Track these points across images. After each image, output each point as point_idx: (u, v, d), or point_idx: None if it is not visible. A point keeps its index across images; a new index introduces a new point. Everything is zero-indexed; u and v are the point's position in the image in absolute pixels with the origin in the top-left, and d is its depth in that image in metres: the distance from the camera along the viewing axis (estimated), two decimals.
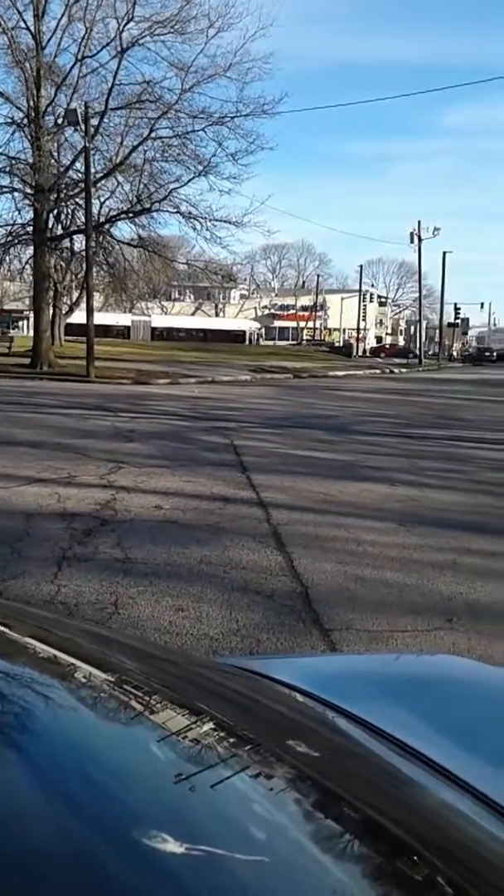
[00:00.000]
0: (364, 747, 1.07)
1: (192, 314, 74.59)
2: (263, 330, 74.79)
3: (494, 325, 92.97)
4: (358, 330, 66.10)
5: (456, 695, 1.45)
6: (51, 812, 0.68)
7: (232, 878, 0.65)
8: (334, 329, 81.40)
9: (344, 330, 76.89)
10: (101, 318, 55.05)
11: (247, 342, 64.86)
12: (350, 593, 4.61)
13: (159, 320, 69.77)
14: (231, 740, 0.93)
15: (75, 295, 40.79)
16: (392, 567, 5.17)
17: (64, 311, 36.94)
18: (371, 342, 76.88)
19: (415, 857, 0.78)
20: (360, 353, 59.69)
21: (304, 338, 76.65)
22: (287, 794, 0.83)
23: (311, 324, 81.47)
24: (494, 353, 66.08)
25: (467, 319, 76.31)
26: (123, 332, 63.04)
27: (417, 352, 56.49)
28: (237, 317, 77.79)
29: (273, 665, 1.59)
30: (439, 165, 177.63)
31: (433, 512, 6.87)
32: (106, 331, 60.43)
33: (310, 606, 4.37)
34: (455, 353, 69.77)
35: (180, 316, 75.92)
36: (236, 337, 65.77)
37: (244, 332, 68.23)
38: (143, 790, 0.76)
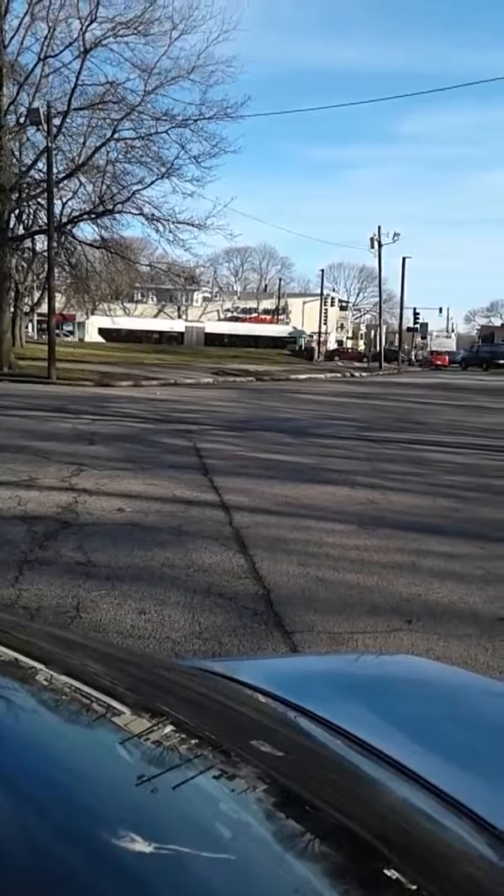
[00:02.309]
0: (325, 746, 1.09)
1: (155, 316, 74.57)
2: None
3: (453, 329, 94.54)
4: (319, 334, 66.65)
5: (415, 694, 1.47)
6: (12, 815, 0.68)
7: (195, 877, 0.65)
8: None
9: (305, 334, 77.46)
10: (155, 325, 54.99)
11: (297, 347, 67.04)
12: (311, 595, 4.64)
13: (212, 326, 71.50)
14: (193, 741, 0.93)
15: (36, 296, 40.41)
16: (353, 569, 5.21)
17: (25, 311, 36.51)
18: (332, 346, 77.51)
19: (375, 855, 0.80)
20: (320, 357, 60.40)
21: None
22: (249, 794, 0.83)
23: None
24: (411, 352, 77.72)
25: (426, 324, 77.76)
26: (177, 338, 64.03)
27: (373, 355, 57.41)
28: (200, 319, 77.86)
29: (235, 666, 1.60)
30: (401, 171, 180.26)
31: (393, 514, 6.95)
32: (160, 336, 60.62)
33: (272, 608, 4.38)
34: (413, 358, 71.63)
35: (232, 322, 77.73)
36: (287, 343, 67.85)
37: (295, 338, 70.49)
38: (106, 792, 0.76)
